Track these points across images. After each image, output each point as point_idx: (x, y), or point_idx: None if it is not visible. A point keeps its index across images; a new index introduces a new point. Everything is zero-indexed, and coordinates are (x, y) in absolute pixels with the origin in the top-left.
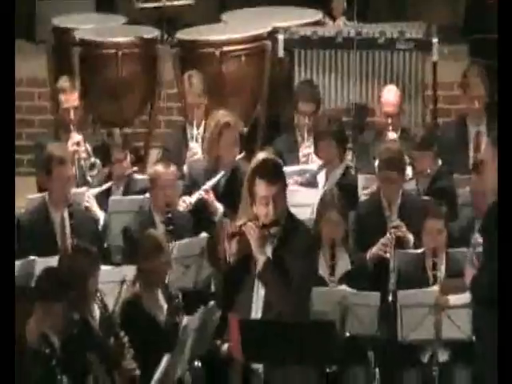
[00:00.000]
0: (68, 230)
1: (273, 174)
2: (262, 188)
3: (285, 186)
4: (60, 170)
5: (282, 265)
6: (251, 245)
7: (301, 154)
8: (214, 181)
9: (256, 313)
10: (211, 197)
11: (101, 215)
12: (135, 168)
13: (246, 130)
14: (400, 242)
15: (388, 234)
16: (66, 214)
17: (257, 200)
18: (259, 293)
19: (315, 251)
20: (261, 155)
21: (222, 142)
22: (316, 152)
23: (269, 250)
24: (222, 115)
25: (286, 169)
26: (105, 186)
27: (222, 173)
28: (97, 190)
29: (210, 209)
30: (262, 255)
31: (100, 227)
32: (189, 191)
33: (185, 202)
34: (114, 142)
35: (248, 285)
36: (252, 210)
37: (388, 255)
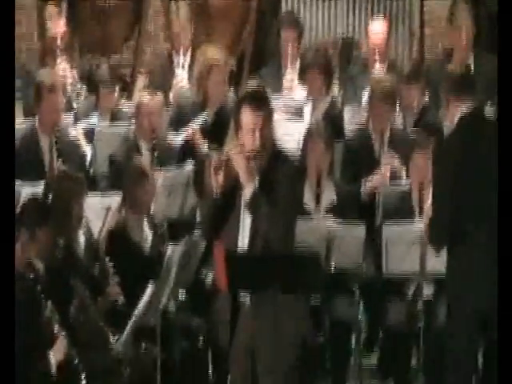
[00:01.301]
0: (55, 155)
1: (259, 101)
2: (248, 115)
3: (271, 115)
4: (50, 96)
5: (269, 194)
6: (238, 174)
7: (284, 79)
8: (198, 121)
9: (242, 242)
10: (197, 136)
11: (87, 147)
12: (122, 101)
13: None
14: (393, 175)
15: (384, 165)
16: (54, 140)
17: (243, 128)
18: (245, 222)
19: (301, 180)
20: (248, 85)
21: (210, 80)
22: (301, 82)
23: (256, 180)
24: (211, 53)
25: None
26: (91, 120)
27: (206, 112)
28: (83, 123)
29: (196, 148)
30: (249, 184)
31: (86, 155)
32: (175, 121)
33: (171, 141)
34: (101, 75)
35: (234, 214)
36: (238, 139)
37: (388, 184)
